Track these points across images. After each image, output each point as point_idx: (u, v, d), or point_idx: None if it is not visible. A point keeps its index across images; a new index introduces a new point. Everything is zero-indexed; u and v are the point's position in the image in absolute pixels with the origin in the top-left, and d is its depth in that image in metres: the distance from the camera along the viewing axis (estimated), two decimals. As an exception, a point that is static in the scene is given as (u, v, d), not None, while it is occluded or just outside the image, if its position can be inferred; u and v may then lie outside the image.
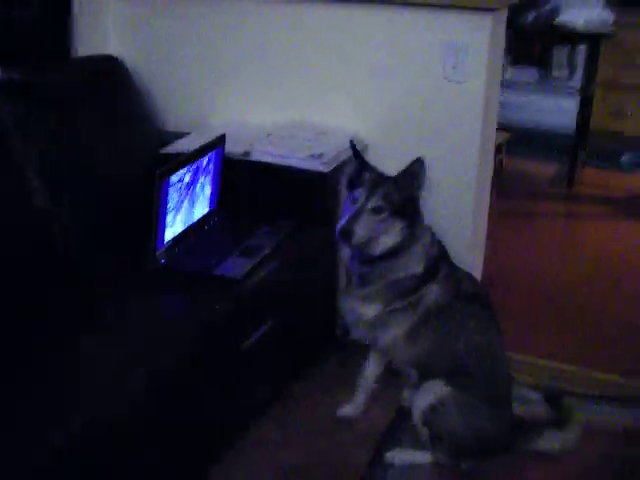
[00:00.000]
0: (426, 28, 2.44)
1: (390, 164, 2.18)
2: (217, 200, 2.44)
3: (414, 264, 2.11)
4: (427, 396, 2.07)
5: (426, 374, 2.11)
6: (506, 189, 4.30)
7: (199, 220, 2.34)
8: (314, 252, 2.41)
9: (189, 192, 2.22)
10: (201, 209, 2.35)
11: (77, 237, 2.23)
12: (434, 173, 2.51)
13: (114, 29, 2.83)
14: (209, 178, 2.35)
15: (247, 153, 2.48)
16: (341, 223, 2.02)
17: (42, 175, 2.19)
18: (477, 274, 2.78)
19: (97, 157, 2.36)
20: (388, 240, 2.06)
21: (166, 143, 2.63)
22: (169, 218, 2.12)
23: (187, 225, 2.26)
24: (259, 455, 2.18)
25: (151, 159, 2.51)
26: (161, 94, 2.86)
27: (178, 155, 2.35)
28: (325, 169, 2.38)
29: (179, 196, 2.16)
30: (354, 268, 2.15)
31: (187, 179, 2.19)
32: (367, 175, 2.08)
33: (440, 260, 2.17)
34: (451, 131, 2.50)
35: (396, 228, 2.06)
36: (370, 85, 2.57)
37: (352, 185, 2.09)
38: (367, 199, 2.03)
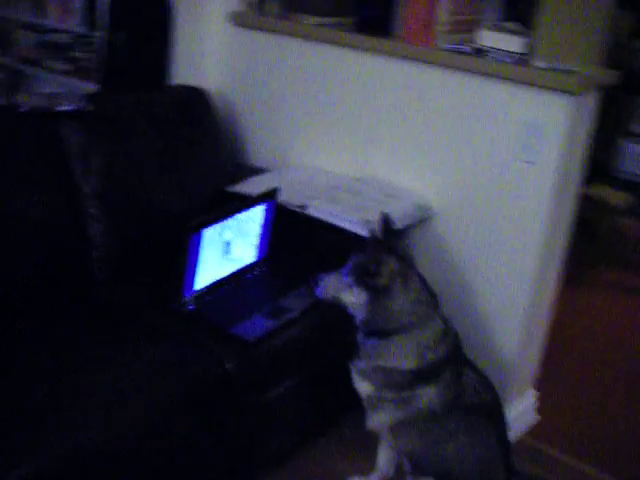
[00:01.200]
0: (506, 102, 2.31)
1: (455, 234, 2.40)
2: (266, 251, 2.46)
3: (403, 358, 1.97)
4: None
5: (417, 469, 2.03)
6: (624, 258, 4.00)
7: (242, 269, 2.37)
8: (340, 319, 2.36)
9: (230, 243, 2.26)
10: (246, 257, 2.38)
11: (119, 268, 2.34)
12: (490, 254, 2.43)
13: (213, 60, 2.91)
14: (258, 227, 2.38)
15: (303, 207, 2.48)
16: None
17: (100, 204, 2.32)
18: (525, 373, 2.63)
19: (156, 189, 2.46)
20: (349, 301, 1.97)
21: (241, 178, 2.69)
22: (204, 266, 2.18)
23: (226, 274, 2.30)
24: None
25: (215, 195, 2.58)
26: (248, 128, 2.94)
27: (238, 196, 2.39)
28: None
29: (216, 247, 2.21)
30: (358, 336, 2.09)
31: (227, 233, 2.23)
32: (368, 244, 2.03)
33: (448, 363, 2.00)
34: (515, 212, 2.37)
35: (360, 295, 1.94)
36: (446, 152, 2.49)
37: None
38: (347, 264, 1.98)
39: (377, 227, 2.06)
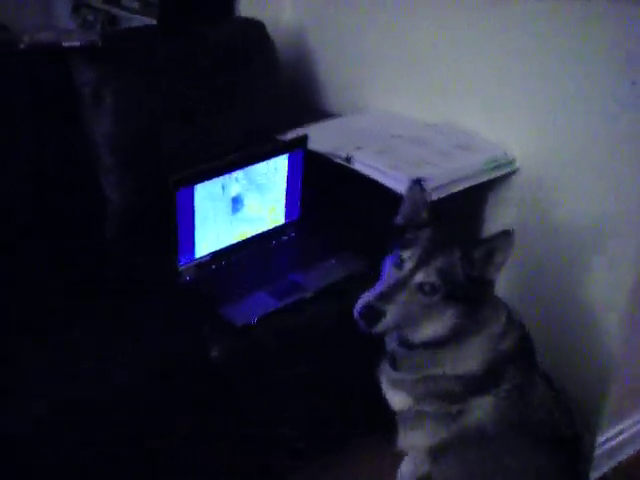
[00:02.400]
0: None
1: (545, 199, 1.87)
2: (297, 212, 2.04)
3: (468, 361, 1.51)
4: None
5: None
6: None
7: (263, 234, 1.98)
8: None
9: (240, 200, 1.88)
10: (268, 219, 1.99)
11: (130, 225, 2.04)
12: (588, 231, 1.84)
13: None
14: (282, 182, 1.96)
15: (349, 159, 2.01)
16: (367, 296, 1.43)
17: (113, 153, 2.03)
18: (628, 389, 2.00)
19: (182, 137, 2.11)
20: (431, 330, 1.48)
21: (302, 124, 2.26)
22: (205, 230, 1.82)
23: (239, 239, 1.93)
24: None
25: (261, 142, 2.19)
26: (322, 68, 2.50)
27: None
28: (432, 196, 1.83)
29: (221, 207, 1.83)
30: (389, 343, 1.63)
31: (234, 187, 1.84)
32: (427, 232, 1.49)
33: (512, 361, 1.52)
34: (622, 178, 1.75)
35: (447, 316, 1.45)
36: (546, 101, 1.87)
37: (401, 239, 1.52)
38: (416, 268, 1.43)
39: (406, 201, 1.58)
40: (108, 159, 2.05)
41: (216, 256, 1.88)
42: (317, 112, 2.44)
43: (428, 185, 1.78)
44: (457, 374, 1.52)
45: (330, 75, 2.48)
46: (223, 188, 1.82)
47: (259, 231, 1.97)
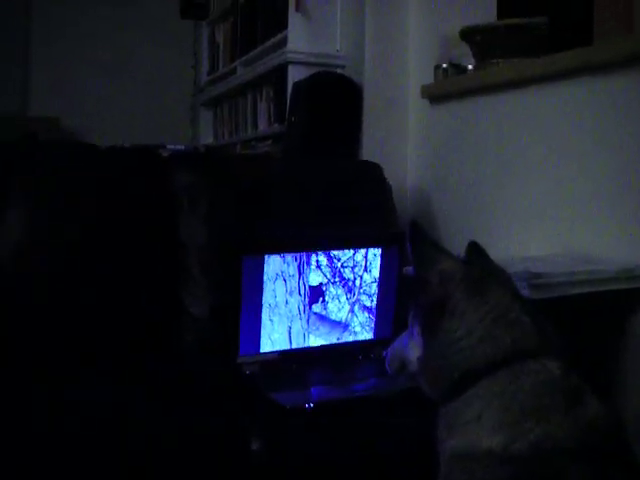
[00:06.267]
0: None
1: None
2: (389, 329, 1.73)
3: (481, 429, 1.02)
4: None
5: None
6: None
7: (348, 344, 1.68)
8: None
9: (323, 294, 1.63)
10: (357, 329, 1.69)
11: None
12: None
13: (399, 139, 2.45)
14: (373, 283, 1.70)
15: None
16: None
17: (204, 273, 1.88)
18: None
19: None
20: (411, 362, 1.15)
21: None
22: (275, 318, 1.57)
23: (314, 344, 1.64)
24: None
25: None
26: (439, 218, 2.32)
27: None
28: (528, 293, 1.49)
29: (296, 294, 1.59)
30: None
31: (314, 276, 1.61)
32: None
33: (576, 457, 0.96)
34: None
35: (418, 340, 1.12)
36: None
37: None
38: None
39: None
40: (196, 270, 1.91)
41: (285, 356, 1.59)
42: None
43: (534, 280, 1.49)
44: (473, 451, 1.04)
45: (446, 225, 2.29)
46: (300, 271, 1.59)
47: (340, 340, 1.67)
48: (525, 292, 1.49)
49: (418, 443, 1.34)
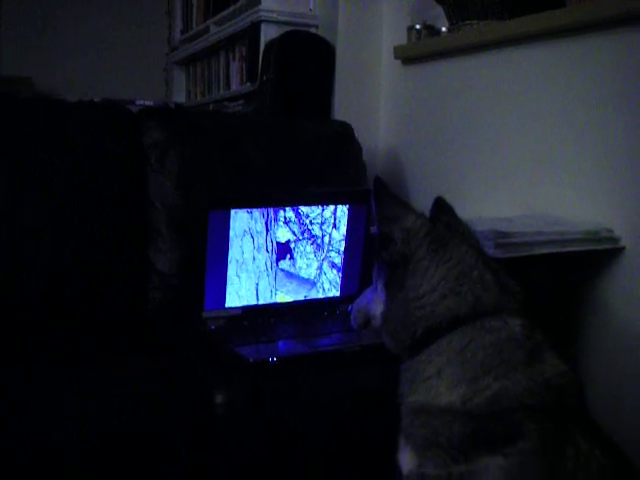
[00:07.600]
0: None
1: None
2: (358, 285, 1.74)
3: (441, 385, 1.05)
4: None
5: None
6: None
7: (315, 301, 1.69)
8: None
9: (291, 251, 1.63)
10: (324, 285, 1.70)
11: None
12: None
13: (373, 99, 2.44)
14: (340, 239, 1.70)
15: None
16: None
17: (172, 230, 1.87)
18: None
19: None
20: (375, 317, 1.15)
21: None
22: (241, 274, 1.57)
23: (282, 300, 1.64)
24: None
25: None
26: (408, 174, 2.33)
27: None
28: (493, 252, 1.50)
29: (263, 250, 1.59)
30: None
31: (281, 231, 1.61)
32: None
33: (536, 411, 1.00)
34: None
35: (381, 294, 1.14)
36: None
37: None
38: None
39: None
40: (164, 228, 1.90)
41: (249, 312, 1.60)
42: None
43: (502, 239, 1.50)
44: (434, 406, 1.06)
45: (416, 185, 2.29)
46: (267, 227, 1.59)
47: (308, 297, 1.68)
48: (491, 251, 1.50)
49: (381, 398, 1.35)
